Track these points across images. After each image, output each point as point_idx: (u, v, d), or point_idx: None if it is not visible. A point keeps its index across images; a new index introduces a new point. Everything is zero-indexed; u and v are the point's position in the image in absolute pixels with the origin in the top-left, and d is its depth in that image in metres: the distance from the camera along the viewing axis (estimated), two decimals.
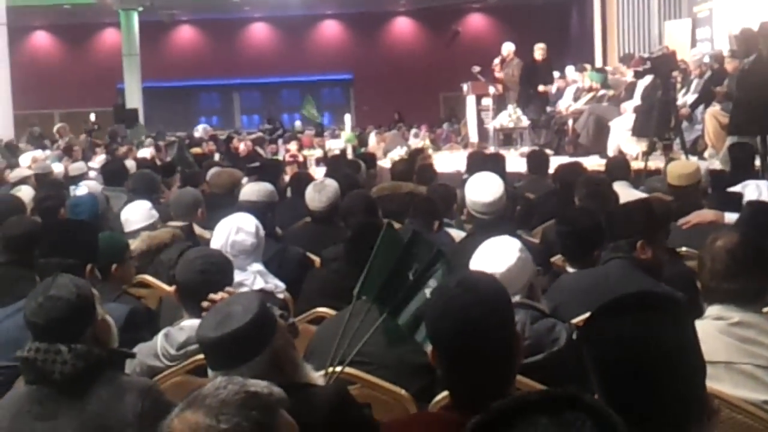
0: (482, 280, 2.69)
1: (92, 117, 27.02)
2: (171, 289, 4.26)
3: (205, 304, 3.66)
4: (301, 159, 19.12)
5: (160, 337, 3.81)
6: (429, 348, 2.67)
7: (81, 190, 8.17)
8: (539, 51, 16.13)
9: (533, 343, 3.54)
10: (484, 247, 3.77)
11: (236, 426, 1.84)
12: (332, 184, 6.30)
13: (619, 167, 7.81)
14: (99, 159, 16.00)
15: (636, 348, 2.00)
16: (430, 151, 14.20)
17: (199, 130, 22.00)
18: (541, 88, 15.94)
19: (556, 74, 16.72)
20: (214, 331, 2.73)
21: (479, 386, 2.47)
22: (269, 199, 6.33)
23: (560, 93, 15.98)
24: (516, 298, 3.56)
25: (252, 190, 6.44)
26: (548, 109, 15.75)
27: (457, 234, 6.17)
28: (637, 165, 10.23)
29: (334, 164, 9.65)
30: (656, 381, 1.97)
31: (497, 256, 3.66)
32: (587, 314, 3.95)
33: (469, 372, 2.49)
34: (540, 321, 3.63)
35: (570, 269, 4.67)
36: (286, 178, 10.05)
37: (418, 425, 2.68)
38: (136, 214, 6.02)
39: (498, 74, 16.54)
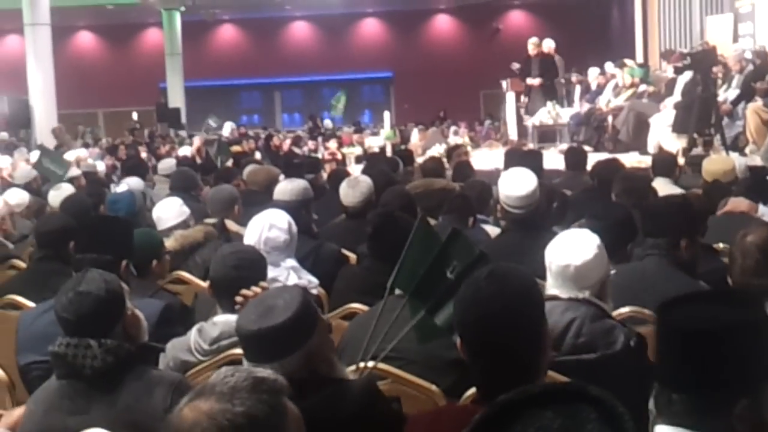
0: (512, 273, 2.66)
1: (135, 116, 27.28)
2: (206, 284, 4.30)
3: (238, 299, 3.69)
4: (339, 157, 19.17)
5: (193, 332, 3.83)
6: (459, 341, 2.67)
7: (121, 187, 8.27)
8: (531, 46, 16.24)
9: (587, 342, 3.47)
10: (563, 238, 3.67)
11: (250, 408, 1.86)
12: (366, 180, 6.31)
13: (664, 163, 7.75)
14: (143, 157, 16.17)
15: (707, 325, 1.97)
16: (468, 148, 14.17)
17: (227, 129, 22.03)
18: (529, 80, 16.04)
19: (595, 70, 16.61)
20: (254, 324, 2.75)
21: (503, 379, 2.46)
22: (303, 197, 6.31)
23: (600, 89, 15.89)
24: (585, 294, 3.55)
25: (285, 188, 6.42)
26: (582, 105, 15.70)
27: (493, 230, 6.15)
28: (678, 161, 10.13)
29: (372, 161, 9.67)
30: (717, 360, 1.95)
31: (576, 248, 3.56)
32: (624, 308, 4.01)
33: (492, 364, 2.49)
34: (600, 321, 3.54)
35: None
36: (325, 175, 10.11)
37: (445, 418, 2.68)
38: (168, 211, 6.03)
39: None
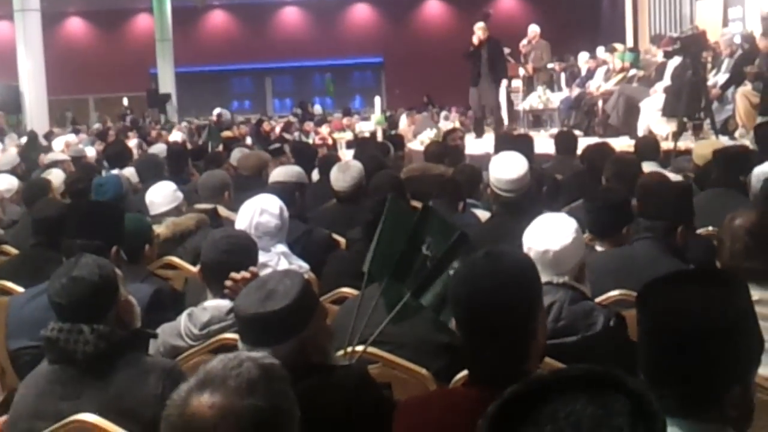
0: (508, 254, 2.65)
1: (125, 102, 27.21)
2: (196, 270, 4.29)
3: (227, 282, 3.70)
4: (330, 142, 19.15)
5: (183, 317, 3.83)
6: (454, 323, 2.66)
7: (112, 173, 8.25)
8: (479, 30, 14.96)
9: (567, 324, 3.48)
10: (540, 223, 3.68)
11: (272, 399, 1.86)
12: (356, 165, 6.30)
13: (648, 147, 7.74)
14: (133, 143, 16.11)
15: (692, 317, 1.94)
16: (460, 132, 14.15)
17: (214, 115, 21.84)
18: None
19: (585, 55, 16.59)
20: (254, 308, 2.75)
21: (496, 360, 2.46)
22: (298, 180, 6.32)
23: (590, 74, 15.89)
24: (564, 279, 3.56)
25: (281, 171, 6.46)
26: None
27: (483, 214, 6.16)
28: (666, 145, 10.15)
29: (363, 146, 9.65)
30: (707, 352, 1.92)
31: (553, 233, 3.58)
32: (614, 292, 4.02)
33: (482, 343, 2.48)
34: (579, 303, 3.55)
35: (599, 247, 4.64)
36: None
37: (435, 402, 2.68)
38: (161, 196, 5.97)
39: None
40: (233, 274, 3.68)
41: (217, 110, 20.67)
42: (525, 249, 3.61)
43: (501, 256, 2.60)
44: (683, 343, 1.93)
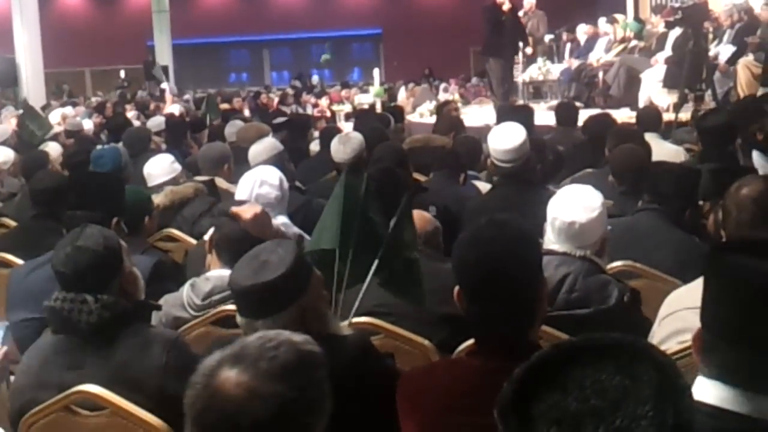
0: (511, 220, 2.65)
1: (122, 74, 27.10)
2: (196, 242, 4.28)
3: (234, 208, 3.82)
4: (329, 114, 19.09)
5: (186, 288, 3.83)
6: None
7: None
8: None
9: (581, 297, 3.46)
10: (567, 194, 3.66)
11: (303, 389, 1.81)
12: (357, 137, 6.27)
13: (650, 118, 7.70)
14: (131, 115, 16.08)
15: None
16: (459, 104, 14.10)
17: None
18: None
19: (584, 26, 16.48)
20: (247, 279, 2.74)
21: (504, 326, 2.46)
22: (276, 151, 6.10)
23: (589, 44, 15.79)
24: (585, 252, 3.54)
25: (258, 151, 6.13)
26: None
27: (484, 186, 6.14)
28: (667, 117, 10.11)
29: (363, 118, 9.62)
30: None
31: (580, 205, 3.55)
32: (617, 262, 4.00)
33: (490, 308, 2.47)
34: (594, 276, 3.53)
35: None
36: (316, 133, 10.06)
37: (439, 372, 2.67)
38: (159, 168, 5.98)
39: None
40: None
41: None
42: (549, 219, 3.59)
43: (505, 223, 2.60)
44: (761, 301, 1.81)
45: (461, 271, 2.56)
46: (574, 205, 3.56)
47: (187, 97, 21.81)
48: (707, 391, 1.81)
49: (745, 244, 1.96)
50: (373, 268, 3.42)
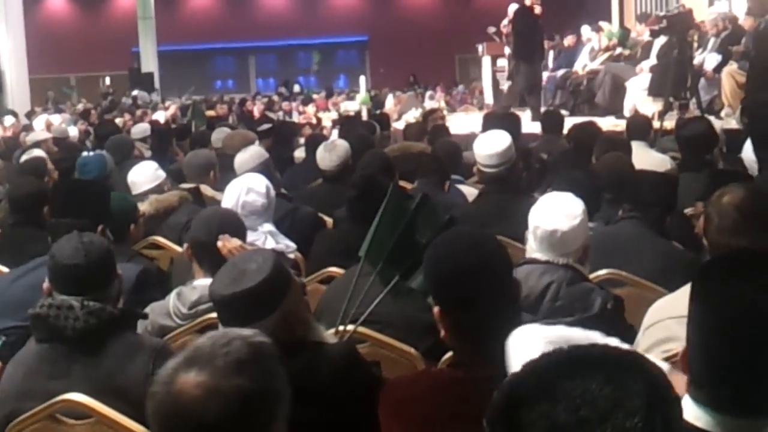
0: (479, 232, 2.69)
1: (107, 81, 27.04)
2: (182, 249, 4.27)
3: (219, 243, 3.77)
4: (314, 121, 19.09)
5: (172, 296, 3.83)
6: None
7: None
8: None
9: (565, 305, 3.47)
10: (548, 202, 3.65)
11: (261, 380, 1.83)
12: (343, 144, 6.26)
13: (639, 127, 7.74)
14: (118, 122, 16.03)
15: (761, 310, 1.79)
16: (445, 112, 14.12)
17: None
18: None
19: (570, 37, 16.51)
20: (227, 289, 2.74)
21: (476, 337, 2.47)
22: (262, 159, 6.06)
23: (570, 51, 15.81)
24: (567, 260, 3.54)
25: (243, 159, 6.06)
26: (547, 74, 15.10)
27: (468, 189, 6.16)
28: (652, 125, 10.14)
29: (348, 125, 9.62)
30: None
31: (562, 213, 3.55)
32: (602, 271, 4.01)
33: (467, 318, 2.49)
34: (577, 284, 3.53)
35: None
36: (301, 140, 10.06)
37: (423, 382, 2.67)
38: (143, 176, 5.98)
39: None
40: (224, 242, 3.74)
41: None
42: (531, 227, 3.60)
43: (474, 234, 2.64)
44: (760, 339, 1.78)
45: (436, 284, 2.59)
46: (555, 213, 3.56)
47: (168, 103, 21.75)
48: (694, 413, 1.81)
49: (729, 266, 1.94)
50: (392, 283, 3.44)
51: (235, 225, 3.99)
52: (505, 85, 15.75)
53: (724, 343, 1.81)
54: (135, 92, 22.29)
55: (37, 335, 3.10)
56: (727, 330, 1.81)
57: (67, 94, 26.50)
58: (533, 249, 3.60)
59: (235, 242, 3.77)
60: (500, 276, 2.54)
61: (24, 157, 8.12)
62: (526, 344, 2.13)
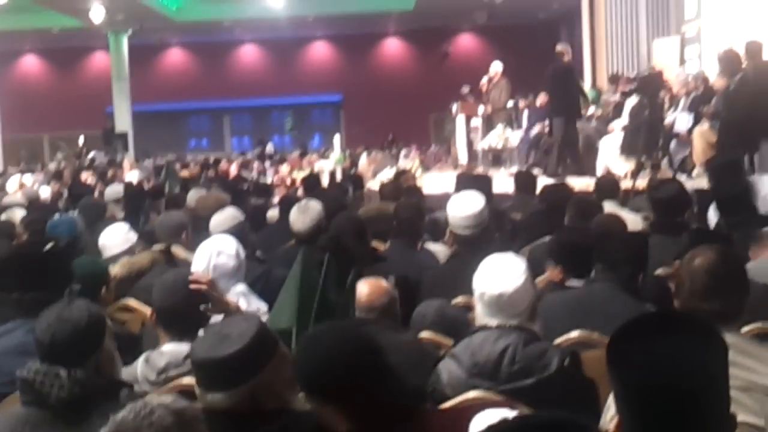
0: (348, 325, 2.86)
1: (81, 141, 27.00)
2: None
3: (194, 287, 3.84)
4: (289, 182, 19.09)
5: (140, 362, 3.79)
6: None
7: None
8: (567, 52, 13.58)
9: (524, 367, 3.49)
10: (490, 265, 3.65)
11: None
12: (315, 206, 6.26)
13: (607, 186, 7.79)
14: (90, 181, 16.00)
15: (672, 372, 1.81)
16: (418, 172, 14.19)
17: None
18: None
19: (543, 95, 16.64)
20: (205, 352, 2.72)
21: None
22: (237, 221, 6.13)
23: (542, 111, 15.94)
24: (516, 321, 3.55)
25: (219, 220, 6.14)
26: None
27: (436, 248, 6.17)
28: (625, 184, 10.21)
29: (311, 183, 9.63)
30: (693, 408, 1.79)
31: (505, 275, 3.56)
32: (573, 333, 4.00)
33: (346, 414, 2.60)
34: (532, 345, 3.55)
35: (573, 283, 4.64)
36: (275, 200, 10.05)
37: None
38: (114, 239, 5.96)
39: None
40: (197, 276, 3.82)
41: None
42: (477, 294, 3.61)
43: (344, 328, 2.77)
44: (675, 401, 1.79)
45: (302, 382, 2.69)
46: (498, 275, 3.58)
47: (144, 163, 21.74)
48: None
49: (635, 331, 1.93)
50: None
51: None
52: (478, 146, 15.85)
53: (636, 416, 1.83)
54: (92, 154, 22.26)
55: (23, 398, 3.08)
56: (635, 400, 1.83)
57: (63, 150, 26.41)
58: (482, 315, 3.60)
59: (206, 276, 3.82)
60: (368, 373, 2.62)
61: (5, 215, 8.12)
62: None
